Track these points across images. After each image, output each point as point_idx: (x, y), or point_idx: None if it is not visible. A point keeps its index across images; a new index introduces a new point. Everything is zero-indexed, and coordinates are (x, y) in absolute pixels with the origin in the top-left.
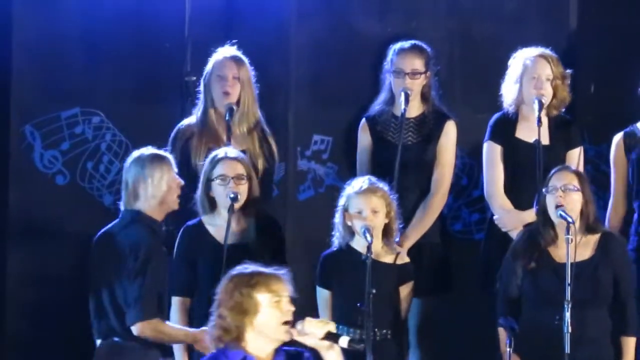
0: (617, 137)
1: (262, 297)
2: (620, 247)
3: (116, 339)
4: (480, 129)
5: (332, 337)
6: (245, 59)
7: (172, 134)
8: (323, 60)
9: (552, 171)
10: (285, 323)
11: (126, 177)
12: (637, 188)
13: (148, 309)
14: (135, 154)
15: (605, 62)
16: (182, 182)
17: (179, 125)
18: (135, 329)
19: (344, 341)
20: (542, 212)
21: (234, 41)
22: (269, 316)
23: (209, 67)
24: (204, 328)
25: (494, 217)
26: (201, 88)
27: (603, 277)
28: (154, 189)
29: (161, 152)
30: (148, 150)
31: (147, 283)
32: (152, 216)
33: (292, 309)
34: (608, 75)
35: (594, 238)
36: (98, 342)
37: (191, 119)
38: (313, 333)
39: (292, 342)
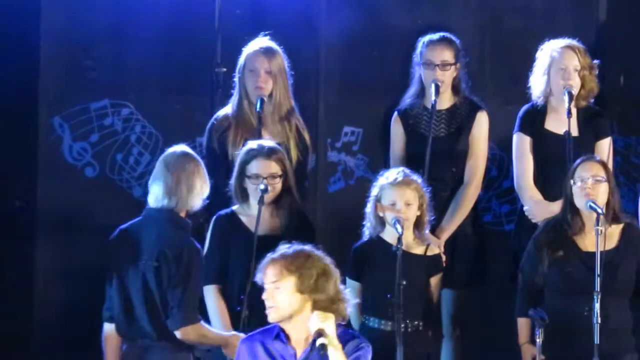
0: None
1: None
2: None
3: (147, 340)
4: (510, 121)
5: (317, 334)
6: (278, 49)
7: (209, 125)
8: (353, 52)
9: (578, 161)
10: None
11: (164, 175)
12: None
13: (192, 313)
14: (175, 151)
15: (635, 53)
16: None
17: (215, 115)
18: (180, 333)
19: (320, 340)
20: (570, 202)
21: (266, 32)
22: None
23: (241, 59)
24: (234, 333)
25: (524, 209)
26: (236, 80)
27: (628, 267)
28: (205, 188)
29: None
30: (186, 149)
31: (191, 287)
32: (182, 216)
33: None
34: (637, 67)
35: (618, 228)
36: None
37: (227, 110)
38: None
39: None
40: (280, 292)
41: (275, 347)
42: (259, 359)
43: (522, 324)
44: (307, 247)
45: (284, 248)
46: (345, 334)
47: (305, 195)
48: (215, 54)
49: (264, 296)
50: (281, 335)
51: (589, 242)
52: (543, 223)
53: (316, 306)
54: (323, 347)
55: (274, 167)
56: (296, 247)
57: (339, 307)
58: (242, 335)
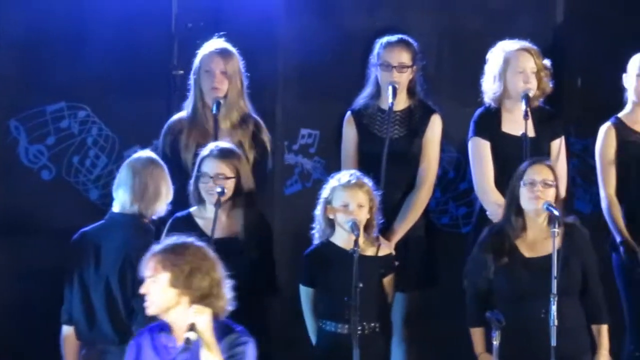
0: (605, 127)
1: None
2: (585, 237)
3: (107, 345)
4: (468, 123)
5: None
6: (234, 50)
7: (164, 129)
8: (311, 55)
9: (526, 164)
10: None
11: (130, 180)
12: (625, 176)
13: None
14: (141, 156)
15: (592, 56)
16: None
17: (170, 119)
18: None
19: (186, 334)
20: (515, 203)
21: (221, 34)
22: None
23: (197, 61)
24: None
25: (487, 213)
26: (191, 82)
27: (572, 267)
28: (170, 193)
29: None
30: (151, 154)
31: None
32: (146, 221)
33: None
34: (595, 70)
35: (562, 230)
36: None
37: (182, 114)
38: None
39: None
40: (155, 287)
41: (160, 339)
42: (143, 352)
43: (476, 333)
44: (189, 241)
45: (167, 241)
46: (224, 329)
47: (263, 197)
48: (172, 57)
49: (142, 289)
50: (165, 327)
51: (532, 247)
52: (487, 228)
53: (193, 300)
54: (187, 341)
55: (223, 168)
56: (177, 241)
57: (213, 303)
58: None
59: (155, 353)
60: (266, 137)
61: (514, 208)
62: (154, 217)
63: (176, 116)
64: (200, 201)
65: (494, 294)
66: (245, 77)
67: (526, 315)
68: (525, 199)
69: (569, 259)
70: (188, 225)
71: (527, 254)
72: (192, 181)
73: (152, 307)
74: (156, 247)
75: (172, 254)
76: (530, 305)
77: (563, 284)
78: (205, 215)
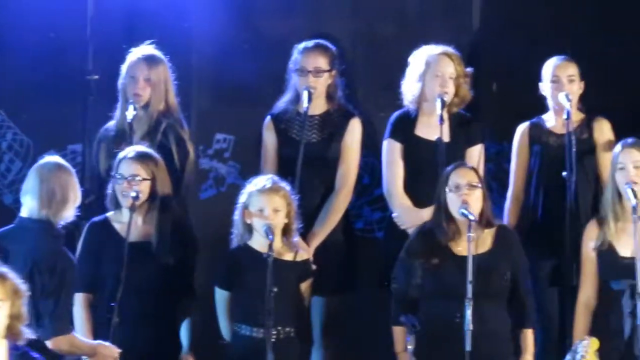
0: (522, 127)
1: None
2: (516, 241)
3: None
4: (383, 127)
5: None
6: (162, 58)
7: (97, 136)
8: (225, 60)
9: (450, 168)
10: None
11: (38, 186)
12: (537, 178)
13: (64, 324)
14: (48, 162)
15: (507, 61)
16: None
17: (103, 127)
18: (51, 344)
19: None
20: (444, 209)
21: (152, 41)
22: None
23: (124, 67)
24: (101, 342)
25: (393, 215)
26: (118, 88)
27: (500, 271)
28: (77, 199)
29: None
30: (59, 159)
31: (63, 298)
32: (55, 225)
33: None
34: (510, 75)
35: (491, 232)
36: None
37: (113, 121)
38: None
39: None
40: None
41: None
42: None
43: (398, 332)
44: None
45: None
46: (17, 354)
47: (182, 202)
48: (87, 61)
49: None
50: None
51: (463, 247)
52: (415, 231)
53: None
54: None
55: (139, 170)
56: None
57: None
58: (108, 344)
59: None
60: (188, 143)
61: (443, 214)
62: (64, 221)
63: (108, 124)
64: (118, 205)
65: (420, 297)
66: (174, 85)
67: (445, 317)
68: (453, 204)
69: (498, 261)
70: (105, 229)
71: (458, 253)
72: (110, 185)
73: None
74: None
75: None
76: (450, 308)
77: (486, 287)
78: (122, 219)
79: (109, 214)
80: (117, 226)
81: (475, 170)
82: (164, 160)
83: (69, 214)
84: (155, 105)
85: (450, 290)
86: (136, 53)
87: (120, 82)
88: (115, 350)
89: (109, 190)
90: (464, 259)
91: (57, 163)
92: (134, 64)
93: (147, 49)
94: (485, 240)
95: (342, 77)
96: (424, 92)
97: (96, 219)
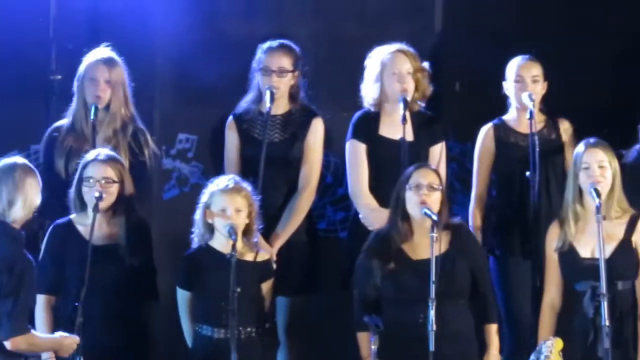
0: (486, 127)
1: None
2: (473, 238)
3: None
4: (346, 127)
5: None
6: (119, 60)
7: (45, 136)
8: (189, 60)
9: (411, 168)
10: None
11: None
12: (501, 178)
13: (22, 323)
14: (6, 163)
15: (470, 61)
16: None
17: (52, 126)
18: (9, 344)
19: None
20: (401, 208)
21: (108, 44)
22: None
23: (81, 68)
24: (63, 334)
25: (360, 216)
26: (74, 89)
27: (460, 270)
28: (30, 200)
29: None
30: (18, 159)
31: (22, 298)
32: (15, 227)
33: None
34: (473, 75)
35: (448, 233)
36: None
37: (64, 121)
38: None
39: None
40: None
41: None
42: None
43: (362, 338)
44: None
45: None
46: None
47: (144, 203)
48: (50, 62)
49: None
50: None
51: (418, 250)
52: (373, 234)
53: None
54: None
55: (109, 172)
56: None
57: None
58: (67, 334)
59: None
60: (150, 145)
61: (400, 213)
62: (23, 222)
63: (57, 123)
64: (82, 208)
65: (381, 299)
66: (130, 87)
67: (408, 320)
68: (412, 203)
69: (455, 261)
70: (68, 231)
71: (413, 256)
72: (73, 187)
73: None
74: None
75: None
76: (412, 309)
77: (447, 288)
78: (86, 221)
79: (72, 216)
80: (81, 228)
81: (437, 172)
82: (134, 162)
83: (19, 215)
84: (117, 107)
85: (410, 295)
86: (94, 55)
87: (77, 83)
88: (76, 339)
89: (72, 193)
90: (419, 263)
91: (14, 163)
92: (93, 66)
93: (104, 51)
94: (442, 241)
95: (305, 78)
96: (384, 92)
97: (59, 221)
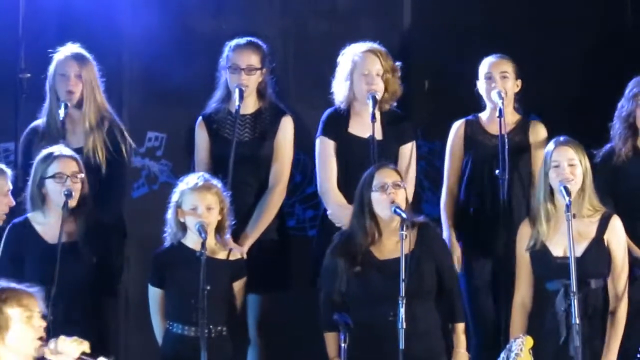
0: (458, 124)
1: (13, 312)
2: (438, 237)
3: None
4: (315, 125)
5: (88, 356)
6: (89, 56)
7: (22, 138)
8: (157, 58)
9: (371, 169)
10: (38, 339)
11: None
12: (471, 176)
13: None
14: None
15: (440, 59)
16: (13, 202)
17: (28, 127)
18: None
19: None
20: (368, 209)
21: (74, 42)
22: (20, 332)
23: (52, 66)
24: None
25: (328, 213)
26: (47, 88)
27: (426, 269)
28: None
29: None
30: None
31: None
32: None
33: (44, 324)
34: (442, 73)
35: (414, 232)
36: None
37: (39, 121)
38: (67, 352)
39: None
40: None
41: None
42: None
43: (330, 338)
44: None
45: None
46: None
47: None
48: (19, 60)
49: None
50: None
51: (385, 249)
52: (337, 235)
53: None
54: None
55: (76, 167)
56: None
57: None
58: None
59: None
60: (125, 142)
61: (366, 214)
62: None
63: (33, 124)
64: (41, 205)
65: (347, 299)
66: (102, 82)
67: (376, 318)
68: (380, 203)
69: (422, 260)
70: (25, 230)
71: (380, 257)
72: (31, 185)
73: None
74: None
75: None
76: (380, 309)
77: (415, 287)
78: (42, 220)
79: (29, 214)
80: (38, 227)
81: (397, 170)
82: (110, 158)
83: None
84: (89, 103)
85: (378, 296)
86: (64, 52)
87: (48, 83)
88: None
89: (29, 191)
90: (384, 262)
91: None
92: (63, 62)
93: (74, 47)
94: (408, 240)
95: (273, 75)
96: (353, 90)
97: (17, 220)
